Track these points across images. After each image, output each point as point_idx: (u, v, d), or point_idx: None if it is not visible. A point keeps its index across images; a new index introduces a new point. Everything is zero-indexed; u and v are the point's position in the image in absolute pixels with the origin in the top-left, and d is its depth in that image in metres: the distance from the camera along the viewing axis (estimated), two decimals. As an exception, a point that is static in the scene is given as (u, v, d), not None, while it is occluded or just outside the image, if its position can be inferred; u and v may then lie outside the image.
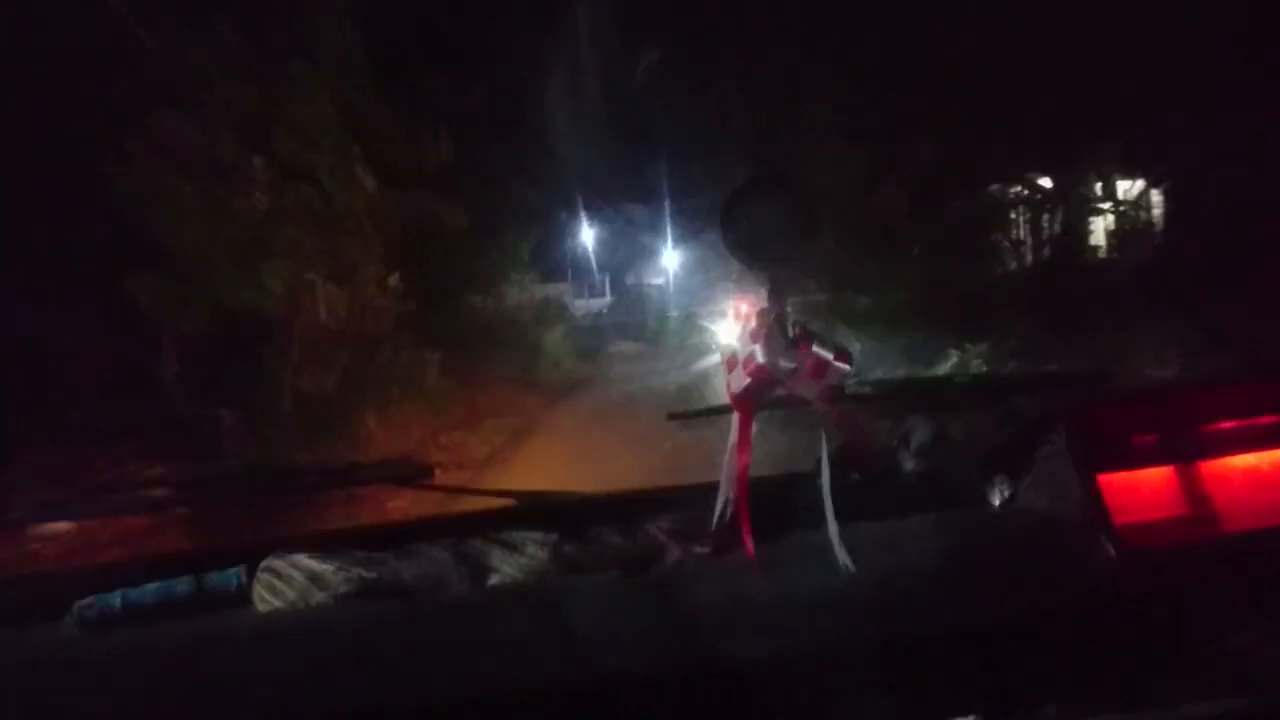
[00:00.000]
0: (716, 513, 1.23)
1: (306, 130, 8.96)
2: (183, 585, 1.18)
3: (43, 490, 5.33)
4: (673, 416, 1.85)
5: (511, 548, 1.18)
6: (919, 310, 11.05)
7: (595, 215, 17.79)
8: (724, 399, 1.33)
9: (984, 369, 8.67)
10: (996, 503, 1.30)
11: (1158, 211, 12.79)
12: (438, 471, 1.42)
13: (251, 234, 8.47)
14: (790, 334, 1.33)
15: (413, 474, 1.40)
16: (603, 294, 23.13)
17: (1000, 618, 1.10)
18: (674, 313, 19.58)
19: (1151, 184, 12.52)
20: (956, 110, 10.91)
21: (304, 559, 1.13)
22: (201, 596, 1.18)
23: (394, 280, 10.01)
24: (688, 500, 1.30)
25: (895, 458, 1.40)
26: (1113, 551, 1.15)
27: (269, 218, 8.59)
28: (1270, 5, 8.31)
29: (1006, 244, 13.97)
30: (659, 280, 22.94)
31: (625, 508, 1.28)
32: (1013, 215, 13.93)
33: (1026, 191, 13.65)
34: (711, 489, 1.25)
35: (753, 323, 1.37)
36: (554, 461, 7.89)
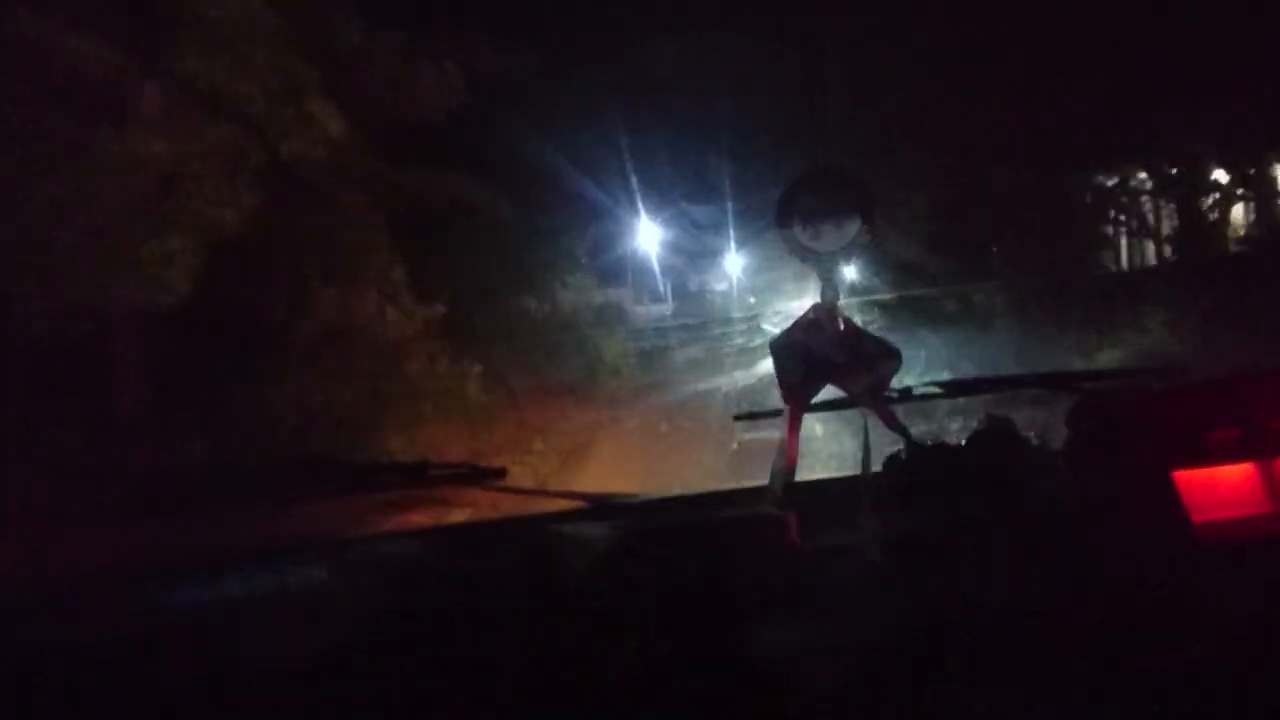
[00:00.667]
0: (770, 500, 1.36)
1: (224, 36, 6.62)
2: (265, 579, 1.33)
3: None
4: (739, 418, 2.04)
5: (581, 544, 1.30)
6: (1030, 306, 11.01)
7: (657, 215, 17.88)
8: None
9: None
10: (1067, 499, 1.35)
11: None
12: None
13: (138, 196, 6.25)
14: (841, 328, 1.44)
15: (484, 474, 1.48)
16: (664, 299, 23.16)
17: (1071, 615, 1.16)
18: (738, 315, 20.02)
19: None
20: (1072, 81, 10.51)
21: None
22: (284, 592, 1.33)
23: (398, 274, 8.92)
24: (752, 500, 1.40)
25: (965, 454, 1.46)
26: (1189, 550, 1.19)
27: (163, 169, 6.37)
28: None
29: (1129, 234, 13.74)
30: (723, 285, 23.21)
31: (693, 506, 1.39)
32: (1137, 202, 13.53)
33: (1155, 176, 13.14)
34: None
35: (806, 316, 1.47)
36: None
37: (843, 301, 1.52)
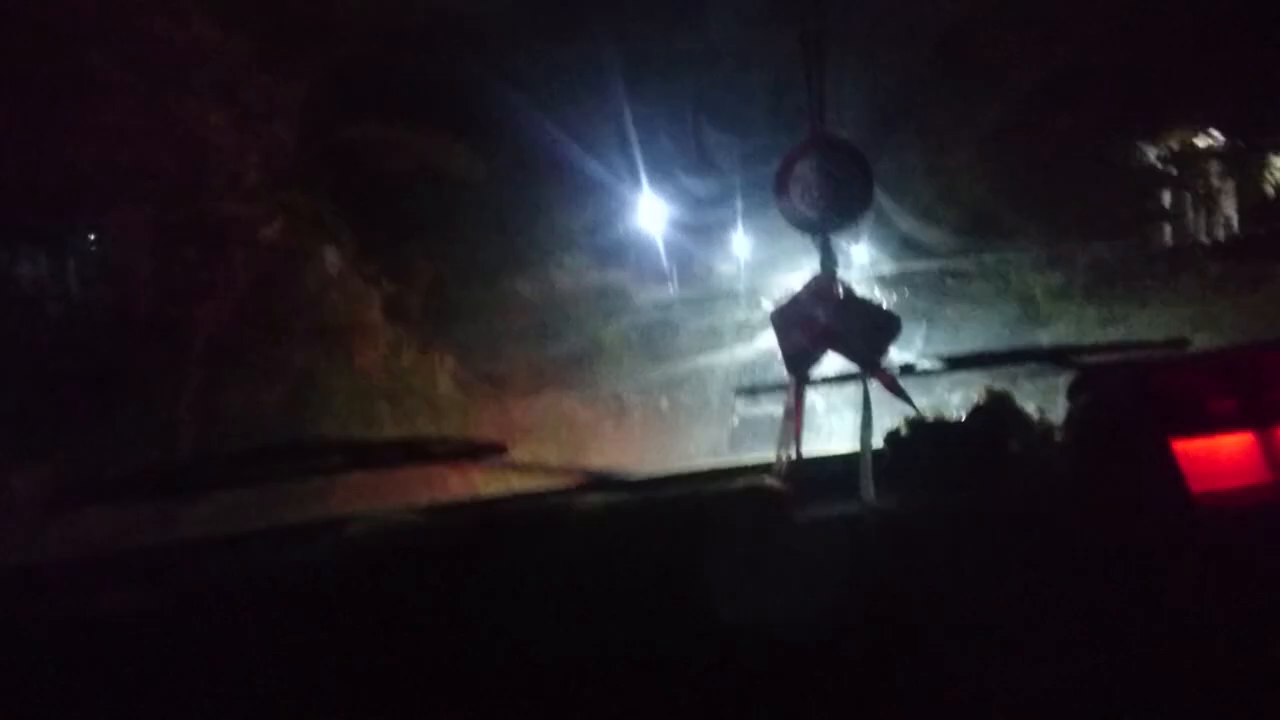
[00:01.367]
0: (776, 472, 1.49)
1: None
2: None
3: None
4: (740, 392, 2.07)
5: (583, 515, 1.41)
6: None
7: (659, 189, 17.90)
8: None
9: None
10: (1067, 469, 1.45)
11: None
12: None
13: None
14: (840, 297, 1.58)
15: (483, 451, 1.56)
16: (667, 279, 23.14)
17: (1074, 584, 1.26)
18: (741, 289, 19.56)
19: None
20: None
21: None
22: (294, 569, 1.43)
23: (346, 247, 8.22)
24: (753, 475, 1.51)
25: (966, 427, 1.55)
26: (1188, 517, 1.29)
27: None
28: None
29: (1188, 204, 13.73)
30: (727, 264, 22.22)
31: (694, 481, 1.51)
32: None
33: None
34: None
35: (806, 287, 1.60)
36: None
37: (842, 272, 1.63)
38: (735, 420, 6.73)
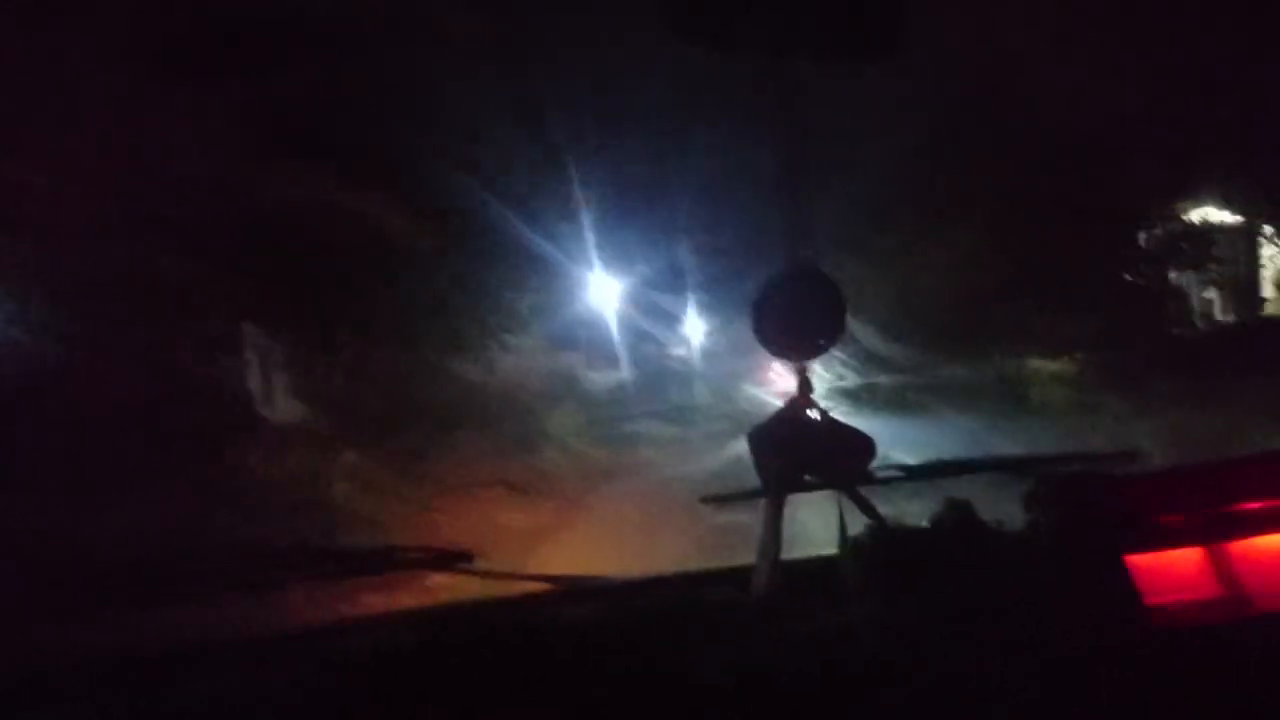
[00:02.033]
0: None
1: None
2: None
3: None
4: (706, 500, 2.29)
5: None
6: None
7: (611, 269, 18.17)
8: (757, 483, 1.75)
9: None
10: (1023, 582, 1.57)
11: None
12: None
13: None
14: (817, 420, 1.78)
15: (451, 558, 1.66)
16: (618, 365, 23.32)
17: (1025, 698, 1.35)
18: (700, 387, 21.32)
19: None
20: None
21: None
22: None
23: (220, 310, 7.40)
24: (725, 581, 1.63)
25: (924, 538, 1.71)
26: (1141, 632, 1.40)
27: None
28: None
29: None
30: (681, 350, 23.83)
31: (671, 587, 1.61)
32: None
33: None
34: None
35: (783, 410, 1.78)
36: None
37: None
38: (703, 528, 6.73)
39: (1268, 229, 14.77)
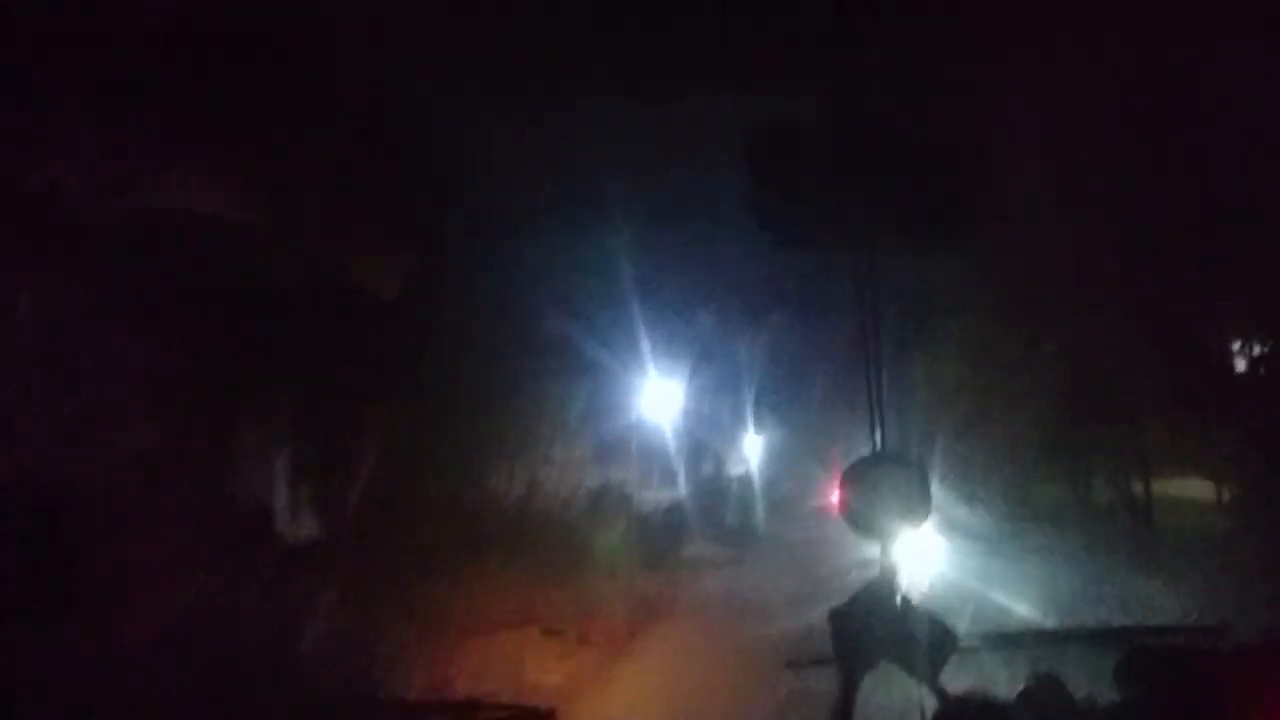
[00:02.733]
0: None
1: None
2: None
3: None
4: (791, 665, 2.86)
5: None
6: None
7: (666, 375, 16.97)
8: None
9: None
10: None
11: None
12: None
13: None
14: (899, 605, 2.06)
15: (535, 715, 2.07)
16: (674, 483, 22.07)
17: None
18: (762, 509, 20.91)
19: None
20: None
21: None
22: None
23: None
24: None
25: (1014, 713, 1.89)
26: None
27: None
28: None
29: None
30: (740, 469, 23.10)
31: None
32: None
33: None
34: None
35: (864, 589, 2.06)
36: None
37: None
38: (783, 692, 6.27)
39: None
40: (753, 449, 22.71)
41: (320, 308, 7.53)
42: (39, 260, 6.11)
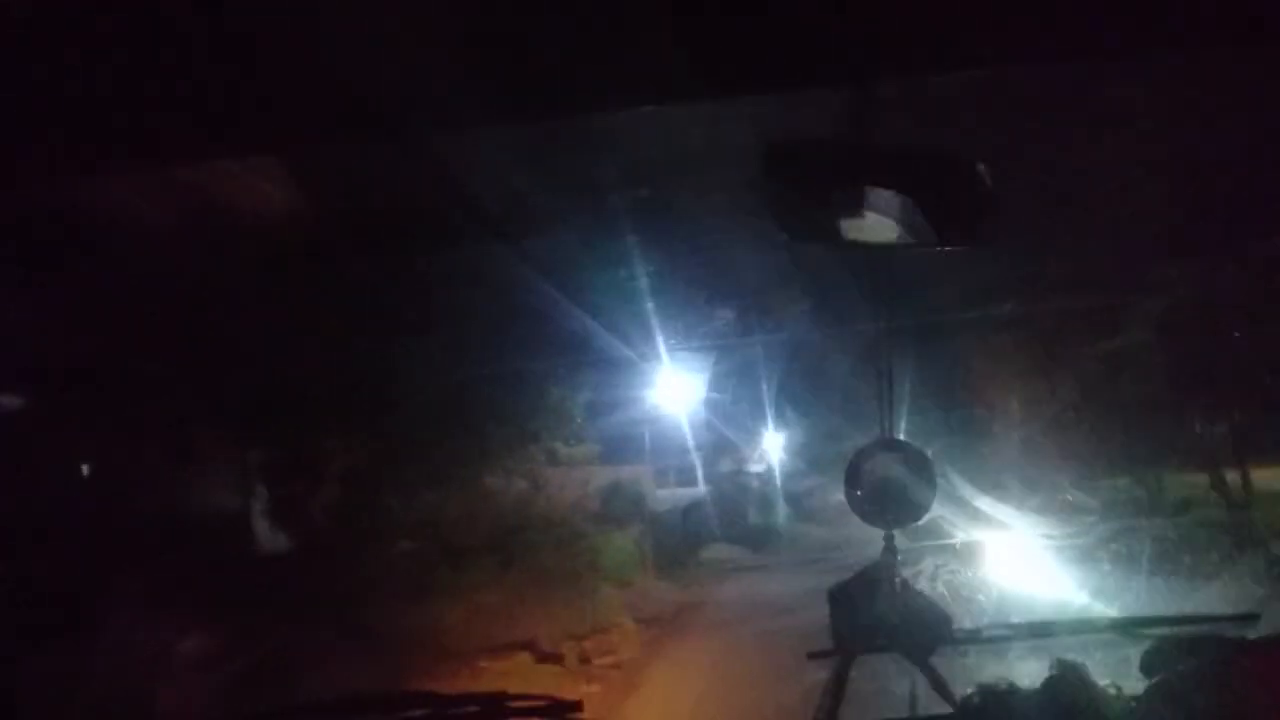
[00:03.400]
0: None
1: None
2: None
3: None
4: (813, 656, 2.49)
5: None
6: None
7: (680, 365, 15.93)
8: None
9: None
10: None
11: None
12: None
13: None
14: (897, 589, 2.07)
15: (562, 709, 1.94)
16: (693, 481, 21.18)
17: None
18: (783, 508, 20.56)
19: None
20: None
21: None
22: None
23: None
24: None
25: (1038, 702, 1.80)
26: None
27: None
28: None
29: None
30: (759, 467, 22.12)
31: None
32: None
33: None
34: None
35: (864, 573, 2.09)
36: None
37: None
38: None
39: None
40: (773, 445, 21.21)
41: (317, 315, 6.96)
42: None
